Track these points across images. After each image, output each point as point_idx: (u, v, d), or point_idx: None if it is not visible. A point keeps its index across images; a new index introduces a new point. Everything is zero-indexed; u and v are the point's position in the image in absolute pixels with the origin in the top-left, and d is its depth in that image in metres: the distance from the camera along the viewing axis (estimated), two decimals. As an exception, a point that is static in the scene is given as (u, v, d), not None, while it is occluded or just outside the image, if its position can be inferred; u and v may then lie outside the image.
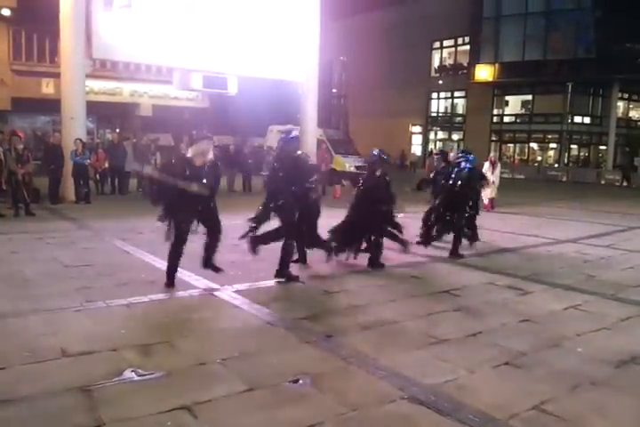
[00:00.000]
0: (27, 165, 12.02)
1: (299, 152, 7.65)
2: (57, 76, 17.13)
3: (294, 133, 7.74)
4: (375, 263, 7.92)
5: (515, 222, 12.33)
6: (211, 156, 6.68)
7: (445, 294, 6.67)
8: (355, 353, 4.67)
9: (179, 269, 6.98)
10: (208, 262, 6.88)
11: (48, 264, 7.56)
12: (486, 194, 13.36)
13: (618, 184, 29.63)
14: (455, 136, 41.08)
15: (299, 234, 7.32)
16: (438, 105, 42.25)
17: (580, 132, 36.33)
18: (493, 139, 38.07)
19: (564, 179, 31.64)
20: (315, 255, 7.88)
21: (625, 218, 14.55)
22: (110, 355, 4.50)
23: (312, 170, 7.73)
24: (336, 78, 47.70)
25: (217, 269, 6.89)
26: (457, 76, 39.10)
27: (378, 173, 8.04)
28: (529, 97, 36.80)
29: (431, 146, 40.51)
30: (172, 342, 4.82)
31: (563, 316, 5.98)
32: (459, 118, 40.91)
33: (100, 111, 25.56)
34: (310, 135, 19.96)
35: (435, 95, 41.73)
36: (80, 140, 14.38)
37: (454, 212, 8.97)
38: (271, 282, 6.98)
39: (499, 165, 15.54)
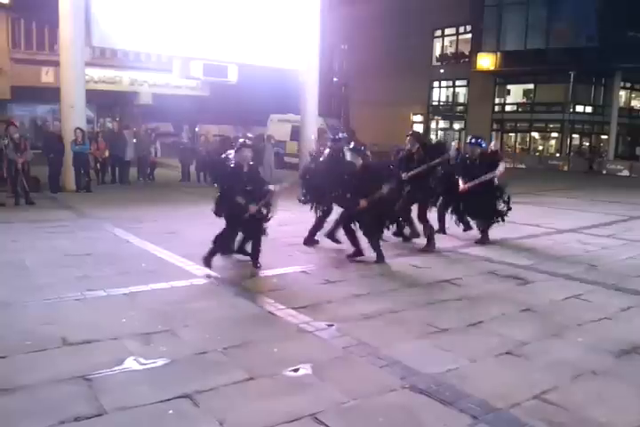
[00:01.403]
0: (25, 153, 11.98)
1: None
2: (56, 64, 17.05)
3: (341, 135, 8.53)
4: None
5: (516, 212, 12.19)
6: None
7: (446, 284, 6.66)
8: (355, 342, 4.67)
9: (181, 258, 7.02)
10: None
11: (48, 253, 7.56)
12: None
13: (585, 172, 29.99)
14: (457, 125, 40.91)
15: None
16: (440, 94, 42.00)
17: (582, 122, 36.13)
18: (495, 128, 37.92)
19: (566, 168, 31.55)
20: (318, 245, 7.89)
21: (626, 208, 14.51)
22: (111, 344, 4.50)
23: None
24: (337, 67, 47.48)
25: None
26: (458, 65, 38.84)
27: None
28: (531, 86, 36.57)
29: (432, 135, 40.35)
30: (173, 330, 4.82)
31: (564, 305, 5.98)
32: (460, 107, 40.70)
33: (99, 100, 25.52)
34: (311, 124, 19.89)
35: (436, 84, 41.46)
36: (80, 129, 14.31)
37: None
38: (271, 271, 6.98)
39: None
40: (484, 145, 9.44)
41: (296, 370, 4.12)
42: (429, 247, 8.44)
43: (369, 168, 7.69)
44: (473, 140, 9.32)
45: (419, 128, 41.45)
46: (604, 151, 35.43)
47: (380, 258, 7.59)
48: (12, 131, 11.92)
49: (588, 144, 35.99)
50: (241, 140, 7.54)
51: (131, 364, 4.13)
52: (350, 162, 7.74)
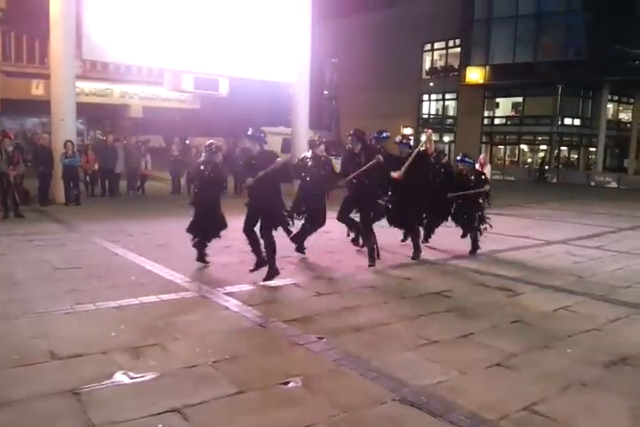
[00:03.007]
0: (18, 166, 11.94)
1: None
2: (47, 77, 17.05)
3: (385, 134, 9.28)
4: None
5: (505, 224, 12.31)
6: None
7: (436, 296, 6.68)
8: (346, 355, 4.66)
9: (171, 271, 6.99)
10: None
11: (37, 266, 7.51)
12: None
13: (536, 181, 31.49)
14: (446, 138, 41.19)
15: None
16: (429, 107, 42.35)
17: (570, 134, 36.52)
18: (484, 140, 38.21)
19: (554, 180, 31.80)
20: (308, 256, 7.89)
21: (614, 219, 14.63)
22: (100, 358, 4.47)
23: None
24: (327, 80, 47.74)
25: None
26: (448, 78, 39.20)
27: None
28: (519, 99, 36.97)
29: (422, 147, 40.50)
30: (162, 344, 4.80)
31: (553, 317, 6.00)
32: (450, 120, 41.02)
33: (90, 113, 25.48)
34: (302, 137, 19.95)
35: (426, 97, 41.82)
36: (70, 142, 14.30)
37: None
38: (261, 284, 6.97)
39: (488, 166, 15.55)
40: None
41: (286, 383, 4.11)
42: (371, 262, 8.02)
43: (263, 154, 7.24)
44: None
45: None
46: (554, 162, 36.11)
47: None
48: (6, 143, 11.88)
49: (539, 156, 36.57)
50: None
51: (120, 378, 4.10)
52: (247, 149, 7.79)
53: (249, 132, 7.32)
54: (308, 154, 8.58)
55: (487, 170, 15.21)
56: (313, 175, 8.34)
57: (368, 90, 40.59)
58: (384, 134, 9.35)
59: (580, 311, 6.19)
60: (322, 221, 8.49)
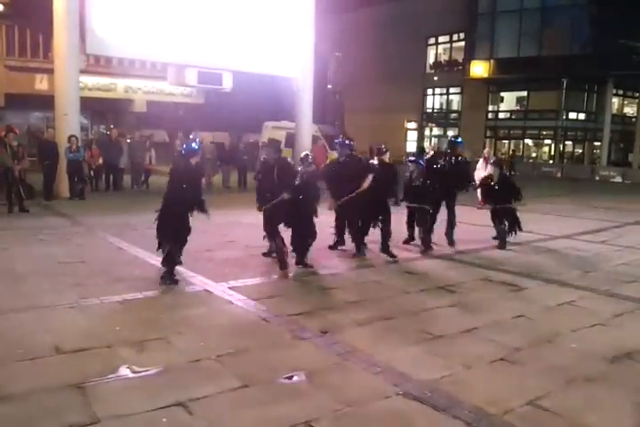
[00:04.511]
0: (22, 161, 11.95)
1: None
2: (50, 71, 17.02)
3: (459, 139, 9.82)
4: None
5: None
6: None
7: (441, 290, 6.68)
8: (350, 349, 4.67)
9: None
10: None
11: (41, 261, 7.53)
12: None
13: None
14: (450, 132, 40.98)
15: None
16: (434, 101, 42.22)
17: (575, 129, 36.41)
18: (488, 135, 38.10)
19: (559, 175, 31.69)
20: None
21: (619, 214, 14.58)
22: (105, 352, 4.49)
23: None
24: (331, 74, 47.62)
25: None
26: (452, 73, 39.08)
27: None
28: (524, 93, 36.82)
29: (426, 142, 40.49)
30: (166, 338, 4.81)
31: (557, 312, 6.00)
32: (454, 114, 40.91)
33: (93, 107, 25.46)
34: (306, 131, 19.93)
35: (430, 91, 41.70)
36: (75, 136, 14.30)
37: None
38: (265, 278, 6.97)
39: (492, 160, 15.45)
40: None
41: (290, 377, 4.11)
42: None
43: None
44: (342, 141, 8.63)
45: (413, 135, 41.68)
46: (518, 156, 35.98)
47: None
48: (11, 138, 11.88)
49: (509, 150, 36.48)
50: None
51: (124, 372, 4.12)
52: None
53: None
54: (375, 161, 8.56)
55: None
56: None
57: (372, 84, 40.48)
58: (459, 139, 9.88)
59: (584, 306, 6.18)
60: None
